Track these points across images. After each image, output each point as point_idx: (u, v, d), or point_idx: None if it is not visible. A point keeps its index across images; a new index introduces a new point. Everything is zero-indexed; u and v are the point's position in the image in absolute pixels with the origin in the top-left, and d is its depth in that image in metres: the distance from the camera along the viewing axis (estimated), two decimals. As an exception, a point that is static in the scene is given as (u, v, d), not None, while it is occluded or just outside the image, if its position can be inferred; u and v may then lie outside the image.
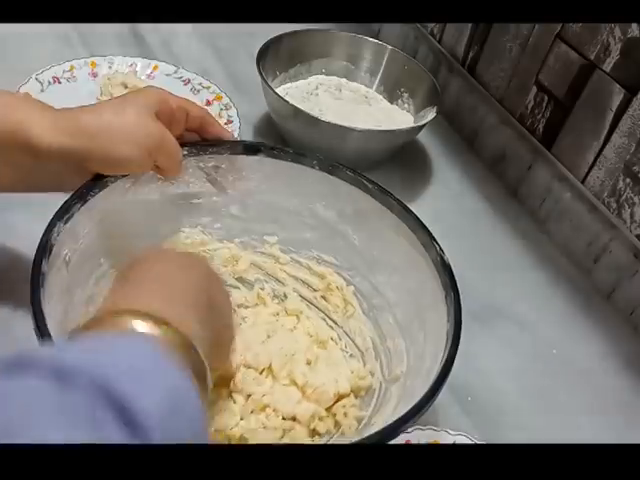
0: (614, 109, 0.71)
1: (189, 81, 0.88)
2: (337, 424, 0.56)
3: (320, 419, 0.55)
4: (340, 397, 0.57)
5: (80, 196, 0.51)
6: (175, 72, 0.88)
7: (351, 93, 0.92)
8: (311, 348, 0.60)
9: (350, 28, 0.96)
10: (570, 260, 0.78)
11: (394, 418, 0.45)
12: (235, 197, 0.63)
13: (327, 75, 0.93)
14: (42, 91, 0.80)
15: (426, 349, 0.54)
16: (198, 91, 0.87)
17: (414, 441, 0.54)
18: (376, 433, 0.44)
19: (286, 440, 0.53)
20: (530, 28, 0.81)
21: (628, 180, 0.71)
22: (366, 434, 0.47)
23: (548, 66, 0.79)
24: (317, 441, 0.54)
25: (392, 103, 0.91)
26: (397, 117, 0.89)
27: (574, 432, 0.60)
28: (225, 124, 0.82)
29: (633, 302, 0.71)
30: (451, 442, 0.55)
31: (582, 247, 0.76)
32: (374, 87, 0.93)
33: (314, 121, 0.77)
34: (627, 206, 0.71)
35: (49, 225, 0.48)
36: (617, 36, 0.69)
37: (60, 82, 0.83)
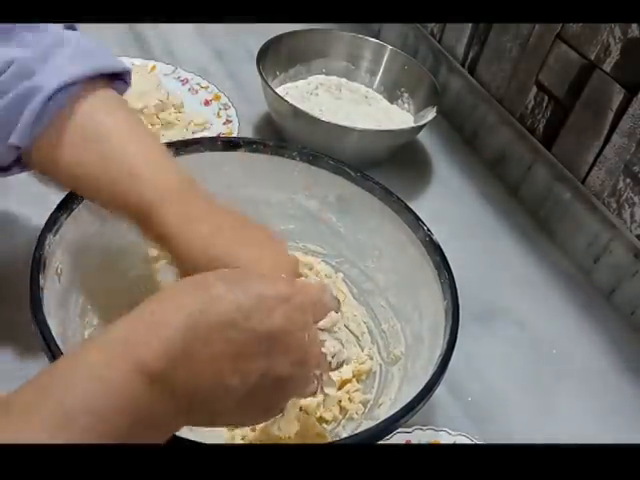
0: (614, 109, 0.71)
1: (187, 81, 0.88)
2: (343, 410, 0.56)
3: (326, 407, 0.56)
4: (343, 383, 0.58)
5: (66, 206, 0.51)
6: (173, 72, 0.89)
7: (351, 93, 0.92)
8: None
9: (350, 28, 0.96)
10: (570, 260, 0.78)
11: (400, 398, 0.45)
12: (217, 193, 0.63)
13: (327, 75, 0.93)
14: None
15: (423, 328, 0.55)
16: (196, 91, 0.87)
17: (414, 441, 0.54)
18: (394, 414, 0.44)
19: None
20: (530, 28, 0.81)
21: (628, 180, 0.71)
22: (375, 415, 0.47)
23: (548, 66, 0.79)
24: (326, 428, 0.55)
25: (392, 103, 0.91)
26: (397, 117, 0.89)
27: (574, 432, 0.60)
28: (224, 124, 0.83)
29: (633, 302, 0.71)
30: (451, 442, 0.55)
31: (582, 247, 0.76)
32: (374, 87, 0.93)
33: (314, 121, 0.77)
34: (627, 206, 0.71)
35: (40, 238, 0.48)
36: (617, 36, 0.69)
37: None
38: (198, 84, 0.88)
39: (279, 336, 0.37)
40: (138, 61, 0.88)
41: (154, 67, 0.88)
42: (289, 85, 0.90)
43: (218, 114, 0.84)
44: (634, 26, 0.67)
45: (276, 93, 0.79)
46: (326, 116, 0.80)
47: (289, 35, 0.89)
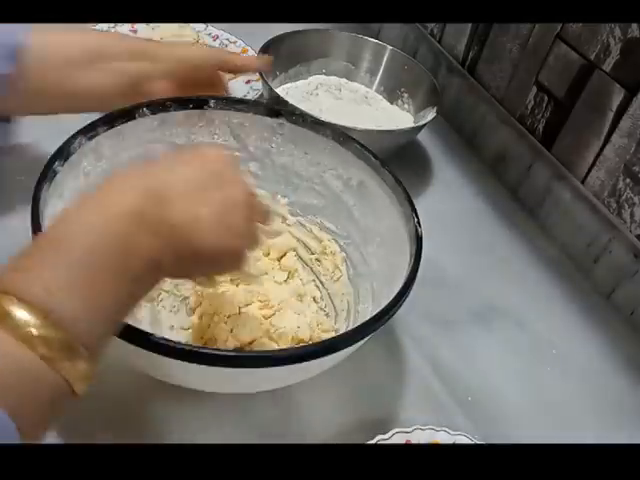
0: (614, 109, 0.71)
1: (217, 37, 0.96)
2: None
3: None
4: (298, 342, 0.59)
5: (107, 120, 0.54)
6: (205, 29, 0.97)
7: (351, 93, 0.92)
8: (287, 299, 0.63)
9: (350, 28, 0.96)
10: (570, 260, 0.78)
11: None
12: (255, 155, 0.66)
13: (327, 75, 0.93)
14: None
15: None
16: (226, 45, 0.95)
17: (413, 441, 0.54)
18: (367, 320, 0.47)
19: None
20: (530, 28, 0.81)
21: (628, 180, 0.71)
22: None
23: (548, 66, 0.79)
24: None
25: (392, 103, 0.91)
26: (397, 117, 0.89)
27: (574, 432, 0.60)
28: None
29: (633, 302, 0.71)
30: (451, 442, 0.55)
31: (582, 247, 0.76)
32: (374, 87, 0.93)
33: (314, 121, 0.76)
34: (627, 206, 0.71)
35: (71, 136, 0.51)
36: (617, 36, 0.69)
37: None
38: (227, 39, 0.96)
39: (227, 172, 0.46)
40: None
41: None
42: (289, 85, 0.90)
43: None
44: (634, 26, 0.67)
45: (276, 93, 0.79)
46: (326, 116, 0.80)
47: (289, 35, 0.89)
